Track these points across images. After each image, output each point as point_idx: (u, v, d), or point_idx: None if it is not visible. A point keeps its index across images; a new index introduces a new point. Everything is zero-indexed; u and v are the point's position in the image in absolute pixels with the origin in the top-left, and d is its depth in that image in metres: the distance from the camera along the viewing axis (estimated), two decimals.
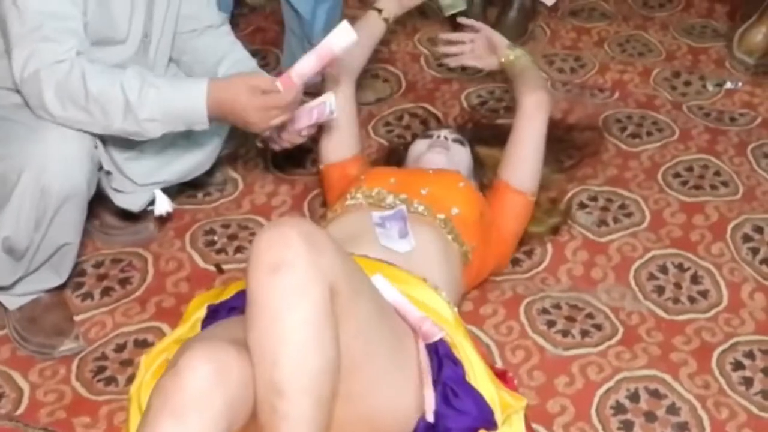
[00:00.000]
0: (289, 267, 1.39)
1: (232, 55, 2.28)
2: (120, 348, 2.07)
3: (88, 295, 2.20)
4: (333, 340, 1.43)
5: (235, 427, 1.43)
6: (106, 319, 2.14)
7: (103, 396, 1.96)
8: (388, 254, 1.86)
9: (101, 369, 2.02)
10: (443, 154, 2.22)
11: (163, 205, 2.18)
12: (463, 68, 2.65)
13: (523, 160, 2.20)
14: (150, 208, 2.21)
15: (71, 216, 1.96)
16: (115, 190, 2.15)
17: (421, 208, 2.00)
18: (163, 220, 2.38)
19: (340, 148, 2.31)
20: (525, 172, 2.19)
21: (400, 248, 1.88)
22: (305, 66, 1.89)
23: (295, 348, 1.39)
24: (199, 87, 1.89)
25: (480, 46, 2.39)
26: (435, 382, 1.68)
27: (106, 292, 2.21)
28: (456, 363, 1.72)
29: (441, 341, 1.72)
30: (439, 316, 1.78)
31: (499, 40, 2.35)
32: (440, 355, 1.71)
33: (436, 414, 1.65)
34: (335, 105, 2.02)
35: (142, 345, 2.06)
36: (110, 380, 1.99)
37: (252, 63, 2.30)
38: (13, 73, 1.89)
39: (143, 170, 2.15)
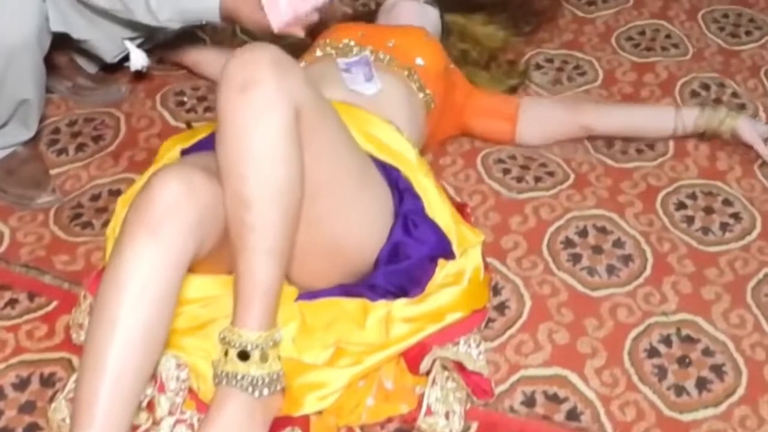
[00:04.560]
0: (257, 84, 1.43)
1: None
2: (95, 198, 2.15)
3: (63, 151, 2.28)
4: (298, 157, 1.48)
5: (205, 248, 1.49)
6: (81, 172, 2.22)
7: (81, 238, 2.04)
8: (354, 98, 1.92)
9: (77, 215, 2.10)
10: (416, 7, 2.30)
11: (138, 60, 2.22)
12: None
13: (554, 137, 2.28)
14: (126, 64, 2.26)
15: (26, 70, 2.01)
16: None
17: (387, 59, 2.07)
18: (134, 82, 2.45)
19: None
20: (538, 139, 2.27)
21: (366, 90, 1.94)
22: None
23: (261, 161, 1.44)
24: None
25: None
26: (396, 215, 1.76)
27: (80, 147, 2.29)
28: (416, 197, 1.80)
29: (401, 177, 1.80)
30: (401, 156, 1.84)
31: None
32: (401, 189, 1.79)
33: (398, 244, 1.73)
34: None
35: (117, 194, 2.13)
36: (86, 224, 2.08)
37: None
38: None
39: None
